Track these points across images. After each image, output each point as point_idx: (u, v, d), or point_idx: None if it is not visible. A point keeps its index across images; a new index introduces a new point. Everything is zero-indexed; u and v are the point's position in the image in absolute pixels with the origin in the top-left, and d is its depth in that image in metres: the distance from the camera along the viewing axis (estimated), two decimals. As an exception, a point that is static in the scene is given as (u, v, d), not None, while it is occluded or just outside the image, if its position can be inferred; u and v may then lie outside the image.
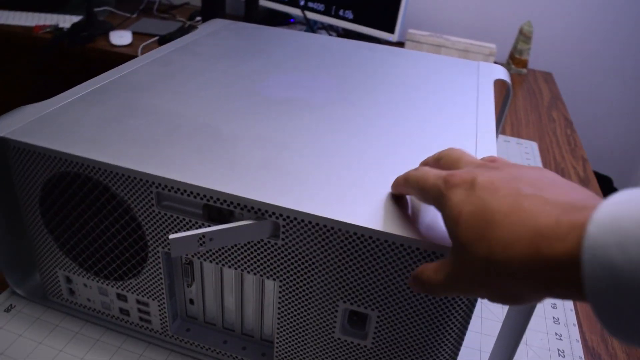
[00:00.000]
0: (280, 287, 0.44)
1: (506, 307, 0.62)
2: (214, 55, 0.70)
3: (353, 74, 0.67)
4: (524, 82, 1.48)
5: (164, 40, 1.52)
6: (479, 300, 0.63)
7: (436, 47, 1.48)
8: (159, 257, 0.47)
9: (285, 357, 0.49)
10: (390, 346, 0.44)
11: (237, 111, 0.54)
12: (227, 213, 0.43)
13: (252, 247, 0.43)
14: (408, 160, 0.48)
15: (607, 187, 1.69)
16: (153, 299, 0.50)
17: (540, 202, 0.28)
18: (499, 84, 1.44)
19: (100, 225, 0.48)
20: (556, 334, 0.59)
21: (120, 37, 1.52)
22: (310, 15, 1.63)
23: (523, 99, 1.35)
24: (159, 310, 0.51)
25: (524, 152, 1.03)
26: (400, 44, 1.68)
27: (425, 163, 0.41)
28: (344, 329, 0.45)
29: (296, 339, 0.47)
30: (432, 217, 0.40)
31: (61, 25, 1.61)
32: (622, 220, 0.23)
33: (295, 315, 0.45)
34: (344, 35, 1.69)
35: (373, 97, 0.61)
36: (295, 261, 0.42)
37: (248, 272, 0.44)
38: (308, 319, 0.45)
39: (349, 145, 0.49)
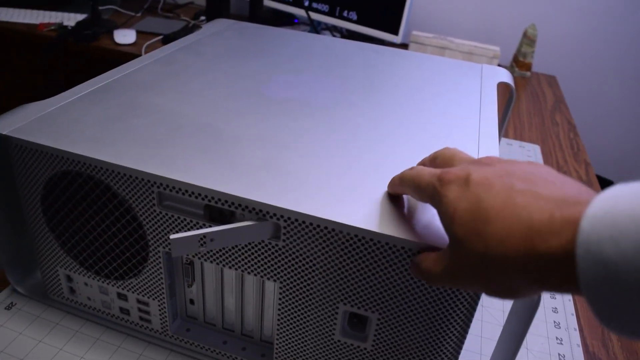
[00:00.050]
0: (281, 288, 0.44)
1: (507, 311, 0.62)
2: (217, 55, 0.70)
3: (356, 75, 0.67)
4: (528, 85, 1.48)
5: (168, 39, 1.52)
6: (480, 303, 0.63)
7: (440, 49, 1.48)
8: (159, 256, 0.47)
9: (285, 358, 0.49)
10: (391, 349, 0.44)
11: (239, 111, 0.54)
12: (228, 214, 0.43)
13: (252, 248, 0.43)
14: (410, 161, 0.48)
15: (610, 191, 1.69)
16: (153, 299, 0.50)
17: (534, 198, 0.28)
18: (502, 87, 1.43)
19: (101, 224, 0.48)
20: (557, 338, 0.59)
21: (125, 36, 1.52)
22: (315, 16, 1.63)
23: (526, 102, 1.35)
24: (159, 310, 0.51)
25: (527, 156, 1.03)
26: (404, 46, 1.68)
27: (422, 163, 0.41)
28: (344, 331, 0.45)
29: (296, 340, 0.47)
30: (430, 217, 0.40)
31: (66, 23, 1.61)
32: (615, 214, 0.24)
33: (295, 317, 0.45)
34: (347, 36, 1.69)
35: (375, 98, 0.61)
36: (296, 262, 0.42)
37: (248, 273, 0.44)
38: (308, 321, 0.45)
39: (351, 147, 0.49)
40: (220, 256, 0.45)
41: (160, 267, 0.48)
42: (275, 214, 0.40)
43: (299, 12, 1.65)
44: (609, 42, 1.69)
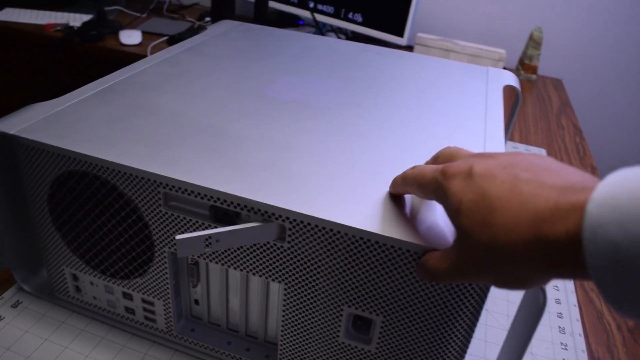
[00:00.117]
0: (286, 289, 0.44)
1: (511, 316, 0.62)
2: (222, 56, 0.70)
3: (360, 77, 0.67)
4: (534, 88, 1.48)
5: (173, 40, 1.52)
6: (484, 308, 0.62)
7: (445, 51, 1.48)
8: (165, 257, 0.47)
9: (289, 359, 0.49)
10: (395, 352, 0.44)
11: (244, 112, 0.54)
12: (233, 215, 0.43)
13: (258, 249, 0.43)
14: (414, 163, 0.47)
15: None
16: (158, 299, 0.50)
17: (539, 186, 0.28)
18: (508, 90, 1.43)
19: (107, 223, 0.48)
20: (562, 343, 0.58)
21: (130, 37, 1.52)
22: (320, 17, 1.63)
23: (532, 105, 1.35)
24: (164, 310, 0.51)
25: (532, 159, 1.02)
26: (409, 48, 1.68)
27: None
28: (348, 333, 0.45)
29: (300, 341, 0.47)
30: (434, 218, 0.40)
31: (72, 23, 1.62)
32: (620, 198, 0.24)
33: (299, 318, 0.45)
34: (352, 38, 1.69)
35: (380, 100, 0.61)
36: (301, 264, 0.42)
37: (253, 274, 0.45)
38: (312, 322, 0.45)
39: (356, 148, 0.49)
40: (226, 257, 0.45)
41: (166, 267, 0.48)
42: (280, 216, 0.40)
43: (304, 13, 1.65)
44: (615, 45, 1.68)
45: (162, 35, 1.60)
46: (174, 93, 0.57)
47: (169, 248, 0.46)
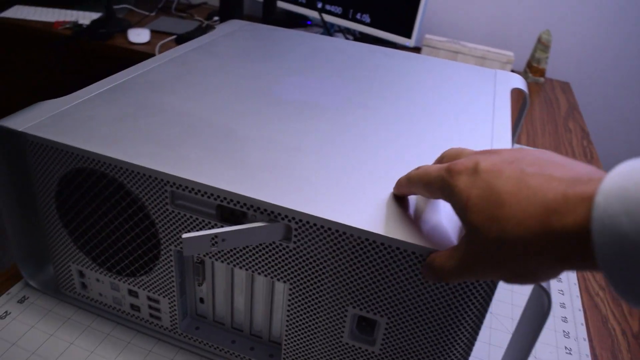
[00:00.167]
0: (291, 289, 0.44)
1: (516, 319, 0.62)
2: (230, 56, 0.70)
3: (368, 78, 0.67)
4: (541, 91, 1.47)
5: (181, 39, 1.53)
6: (489, 311, 0.62)
7: (453, 53, 1.48)
8: (171, 255, 0.47)
9: (293, 359, 0.49)
10: (398, 353, 0.44)
11: (252, 112, 0.54)
12: (240, 214, 0.43)
13: (263, 249, 0.43)
14: (421, 164, 0.47)
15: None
16: (164, 296, 0.51)
17: (546, 179, 0.29)
18: (515, 93, 1.43)
19: (114, 221, 0.48)
20: (566, 347, 0.58)
21: (138, 35, 1.53)
22: (328, 18, 1.63)
23: (540, 108, 1.34)
24: (169, 308, 0.51)
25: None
26: (417, 49, 1.67)
27: None
28: (352, 334, 0.45)
29: (304, 341, 0.47)
30: (438, 219, 0.40)
31: (81, 21, 1.63)
32: (628, 189, 0.24)
33: (304, 318, 0.45)
34: (360, 38, 1.69)
35: (387, 101, 0.61)
36: (307, 264, 0.42)
37: (259, 273, 0.45)
38: (317, 323, 0.45)
39: (363, 149, 0.49)
40: (231, 256, 0.45)
41: (172, 266, 0.48)
42: (286, 216, 0.40)
43: (312, 14, 1.65)
44: (623, 49, 1.67)
45: (170, 34, 1.61)
46: (182, 92, 0.57)
47: (175, 246, 0.46)
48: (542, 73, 1.52)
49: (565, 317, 0.63)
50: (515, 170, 0.30)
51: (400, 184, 0.41)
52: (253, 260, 0.44)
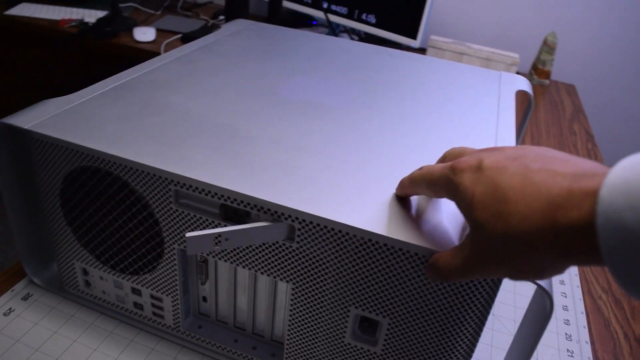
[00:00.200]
0: (293, 289, 0.44)
1: (518, 321, 0.61)
2: (235, 56, 0.70)
3: (372, 79, 0.67)
4: (546, 94, 1.47)
5: (187, 38, 1.53)
6: (491, 312, 0.62)
7: (458, 54, 1.47)
8: (174, 253, 0.47)
9: (295, 358, 0.49)
10: (400, 354, 0.44)
11: (256, 112, 0.54)
12: (243, 214, 0.43)
13: (266, 248, 0.43)
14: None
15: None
16: (167, 295, 0.51)
17: (550, 175, 0.29)
18: (520, 95, 1.43)
19: (118, 219, 0.48)
20: (568, 350, 0.58)
21: (144, 34, 1.53)
22: (333, 18, 1.63)
23: (544, 110, 1.34)
24: (172, 306, 0.51)
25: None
26: (422, 50, 1.67)
27: None
28: (354, 334, 0.45)
29: (306, 341, 0.47)
30: (440, 220, 0.40)
31: (86, 19, 1.63)
32: (632, 183, 0.24)
33: (306, 318, 0.45)
34: (365, 39, 1.69)
35: (391, 102, 0.61)
36: (309, 264, 0.42)
37: (262, 273, 0.45)
38: (319, 323, 0.45)
39: (367, 150, 0.49)
40: (234, 255, 0.45)
41: (175, 264, 0.48)
42: (290, 216, 0.40)
43: (318, 14, 1.65)
44: (629, 51, 1.67)
45: (176, 33, 1.61)
46: (187, 91, 0.58)
47: (179, 245, 0.47)
48: (547, 75, 1.52)
49: (568, 320, 0.63)
50: (519, 167, 0.30)
51: (403, 184, 0.41)
52: (256, 259, 0.44)
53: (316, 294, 0.44)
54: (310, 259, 0.42)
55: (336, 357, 0.47)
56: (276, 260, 0.43)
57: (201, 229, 0.44)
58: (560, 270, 0.29)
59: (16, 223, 0.53)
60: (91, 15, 1.67)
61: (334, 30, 1.50)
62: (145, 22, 1.68)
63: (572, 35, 1.69)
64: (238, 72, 0.65)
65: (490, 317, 0.61)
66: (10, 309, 0.54)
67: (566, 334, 0.61)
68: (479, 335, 0.41)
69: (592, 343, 0.60)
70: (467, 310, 0.39)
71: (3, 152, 0.49)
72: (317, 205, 0.40)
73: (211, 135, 0.49)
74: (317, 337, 0.46)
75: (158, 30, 1.62)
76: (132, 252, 0.50)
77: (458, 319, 0.40)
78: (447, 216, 0.41)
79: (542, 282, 0.36)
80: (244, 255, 0.45)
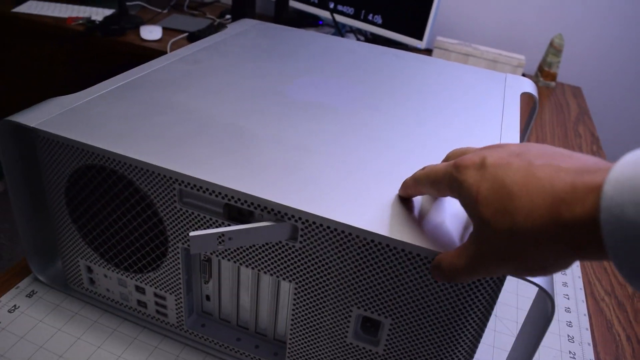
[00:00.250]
0: (296, 289, 0.45)
1: (520, 322, 0.61)
2: (241, 56, 0.71)
3: (378, 80, 0.68)
4: (552, 96, 1.47)
5: (193, 37, 1.53)
6: (493, 313, 0.62)
7: (464, 55, 1.47)
8: (178, 252, 0.48)
9: (297, 358, 0.49)
10: (402, 354, 0.44)
11: (261, 112, 0.55)
12: (247, 213, 0.43)
13: (270, 248, 0.43)
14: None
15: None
16: (170, 293, 0.51)
17: (554, 170, 0.29)
18: (526, 97, 1.42)
19: (122, 218, 0.49)
20: (570, 352, 0.58)
21: (151, 32, 1.54)
22: (339, 18, 1.63)
23: (550, 112, 1.34)
24: (176, 305, 0.52)
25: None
26: (428, 51, 1.67)
27: None
28: (356, 334, 0.45)
29: (308, 341, 0.47)
30: (443, 221, 0.40)
31: (93, 17, 1.64)
32: (635, 179, 0.24)
33: (309, 318, 0.46)
34: (372, 39, 1.69)
35: (396, 103, 0.61)
36: (312, 264, 0.42)
37: (265, 272, 0.45)
38: (321, 322, 0.45)
39: (371, 151, 0.49)
40: (238, 255, 0.45)
41: (179, 263, 0.48)
42: (293, 216, 0.40)
43: (324, 14, 1.66)
44: (636, 54, 1.66)
45: (182, 31, 1.62)
46: (192, 91, 0.58)
47: (183, 244, 0.47)
48: (553, 77, 1.51)
49: (570, 322, 0.63)
50: (522, 163, 0.31)
51: (406, 185, 0.41)
52: (259, 259, 0.44)
53: (319, 293, 0.44)
54: (313, 259, 0.42)
55: (338, 357, 0.47)
56: (279, 259, 0.44)
57: (205, 228, 0.45)
58: (564, 265, 0.30)
59: (22, 221, 0.53)
60: (98, 13, 1.68)
61: (340, 30, 1.50)
62: (152, 21, 1.69)
63: (579, 38, 1.69)
64: (243, 71, 0.65)
65: (492, 318, 0.61)
66: (15, 305, 0.55)
67: (568, 335, 0.60)
68: (480, 336, 0.41)
69: (595, 345, 0.60)
70: (469, 311, 0.39)
71: (9, 149, 0.50)
72: (321, 205, 0.40)
73: (216, 135, 0.49)
74: (319, 337, 0.46)
75: (164, 29, 1.62)
76: (136, 250, 0.50)
77: (460, 319, 0.40)
78: (450, 217, 0.41)
79: (544, 284, 0.36)
80: (247, 255, 0.45)
